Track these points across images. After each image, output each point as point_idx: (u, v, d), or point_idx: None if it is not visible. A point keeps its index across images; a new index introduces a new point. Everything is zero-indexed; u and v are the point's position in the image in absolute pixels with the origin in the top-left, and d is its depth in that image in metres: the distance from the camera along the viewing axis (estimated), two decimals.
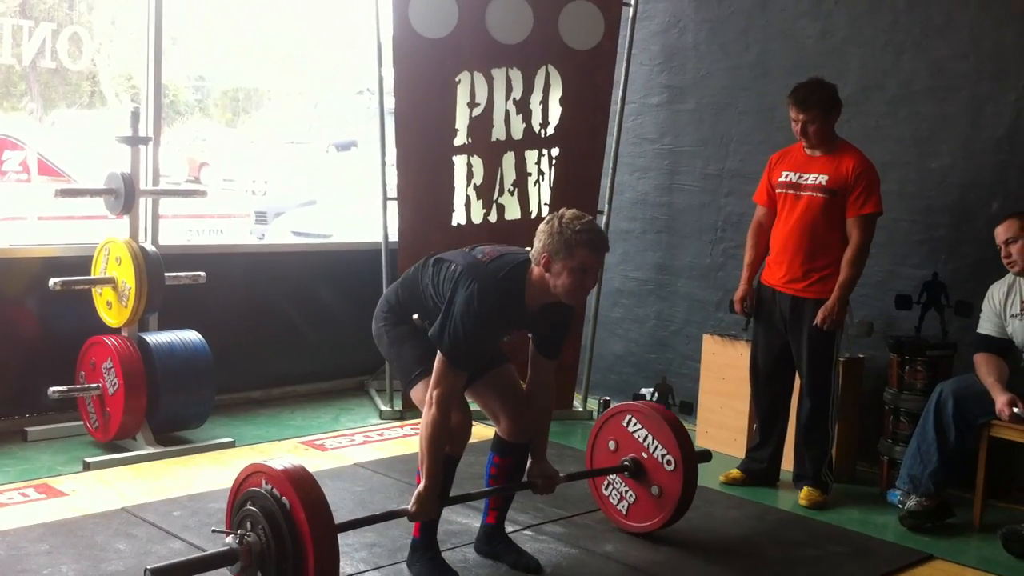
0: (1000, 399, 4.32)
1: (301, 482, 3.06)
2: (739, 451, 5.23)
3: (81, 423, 5.11)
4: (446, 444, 3.42)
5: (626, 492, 4.19)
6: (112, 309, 4.98)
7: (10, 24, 6.09)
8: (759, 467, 4.99)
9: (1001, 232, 4.47)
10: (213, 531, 3.20)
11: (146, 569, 2.89)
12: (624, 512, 4.21)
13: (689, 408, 5.87)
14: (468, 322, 3.31)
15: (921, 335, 4.95)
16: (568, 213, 3.39)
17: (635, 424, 4.16)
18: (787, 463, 4.98)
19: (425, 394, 3.43)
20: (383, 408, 5.92)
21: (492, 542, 3.84)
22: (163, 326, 5.36)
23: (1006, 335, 4.52)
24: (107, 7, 8.88)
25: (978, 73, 5.00)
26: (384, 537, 3.99)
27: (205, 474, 4.64)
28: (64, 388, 4.90)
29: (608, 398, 6.12)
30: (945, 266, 5.04)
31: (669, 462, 4.05)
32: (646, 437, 4.12)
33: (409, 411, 5.82)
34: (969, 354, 4.60)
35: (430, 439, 3.36)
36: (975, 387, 4.43)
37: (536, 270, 3.40)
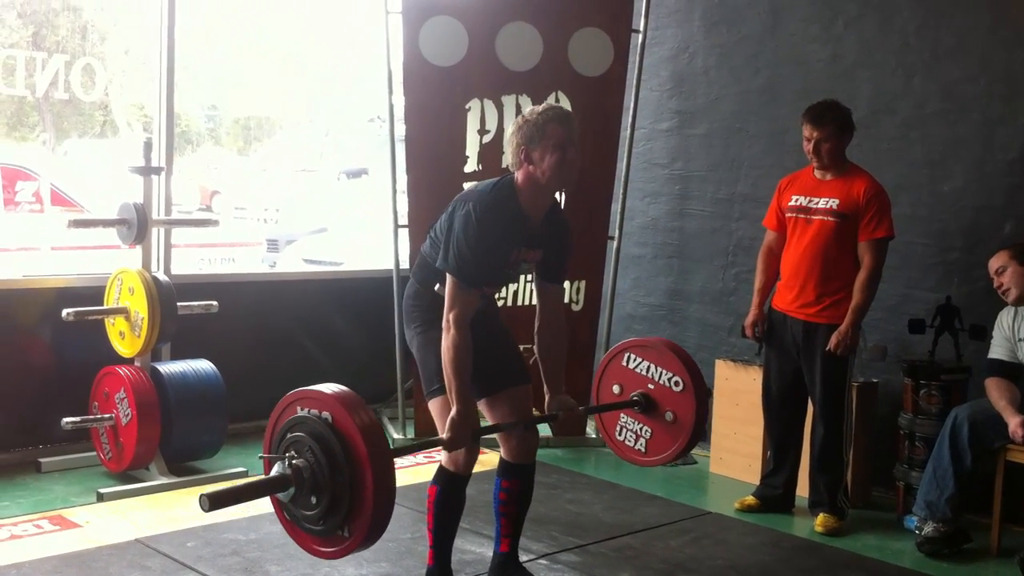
0: (1013, 421, 4.30)
1: (350, 402, 3.03)
2: (754, 477, 5.20)
3: (94, 454, 5.11)
4: (470, 365, 3.36)
5: (641, 429, 4.09)
6: (125, 339, 4.99)
7: (23, 56, 6.14)
8: (774, 493, 4.96)
9: (992, 263, 4.54)
10: (260, 457, 3.14)
11: (201, 496, 2.90)
12: (644, 450, 4.09)
13: (703, 434, 5.84)
14: (471, 236, 3.34)
15: (935, 359, 4.92)
16: (525, 110, 3.51)
17: (635, 360, 4.10)
18: (802, 489, 4.95)
19: (440, 413, 3.44)
20: (396, 436, 5.90)
21: (506, 571, 3.81)
22: (176, 355, 5.36)
23: (1017, 359, 4.50)
24: (120, 38, 8.95)
25: (989, 95, 5.00)
26: (399, 567, 3.98)
27: None
28: (77, 419, 4.91)
29: None
30: (959, 289, 5.02)
31: (677, 383, 3.98)
32: (648, 368, 4.06)
33: (423, 439, 5.80)
34: (983, 378, 4.58)
35: (454, 361, 3.33)
36: (990, 411, 4.41)
37: (520, 173, 3.45)
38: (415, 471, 5.30)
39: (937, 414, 4.75)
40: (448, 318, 3.36)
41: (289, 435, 3.07)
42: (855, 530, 4.74)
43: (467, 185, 5.74)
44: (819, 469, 4.79)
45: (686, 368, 3.98)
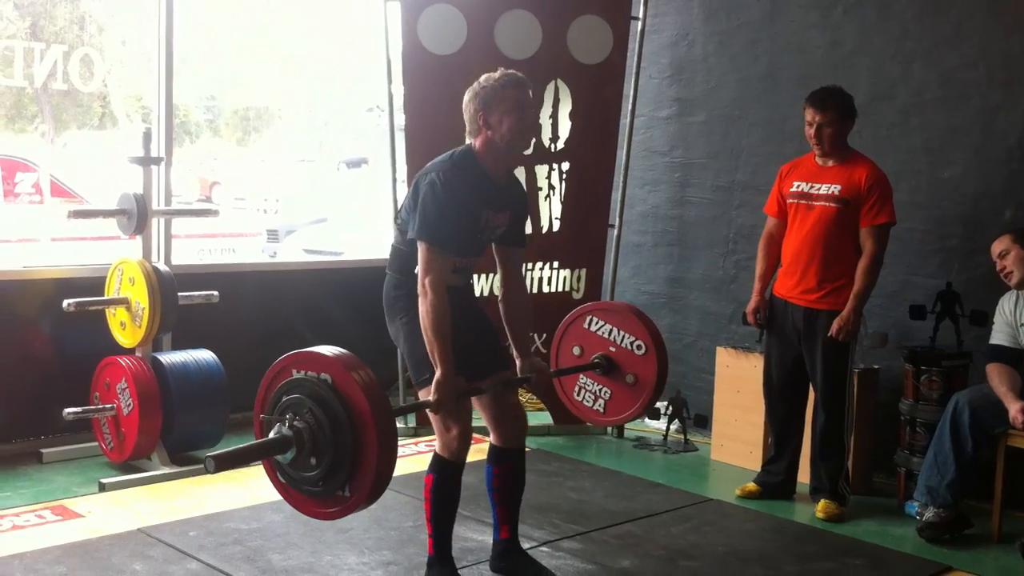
0: (1014, 407, 4.31)
1: (350, 362, 3.03)
2: (755, 464, 5.21)
3: (96, 444, 5.11)
4: (449, 327, 3.37)
5: (600, 391, 4.15)
6: (126, 329, 4.99)
7: (21, 47, 6.13)
8: (775, 480, 4.96)
9: (995, 247, 4.55)
10: (262, 416, 3.13)
11: (207, 457, 2.92)
12: (603, 410, 4.16)
13: (704, 421, 5.85)
14: (440, 199, 3.38)
15: (936, 345, 4.93)
16: (481, 77, 3.52)
17: (597, 323, 4.14)
18: (804, 476, 4.96)
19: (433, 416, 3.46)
20: (397, 425, 5.90)
21: (510, 557, 3.82)
22: (177, 346, 5.36)
23: (1019, 345, 4.51)
24: (117, 28, 8.94)
25: (988, 82, 4.99)
26: (400, 555, 3.99)
27: (220, 494, 4.64)
28: (79, 409, 4.91)
29: None
30: (959, 275, 5.02)
31: (639, 347, 4.05)
32: (611, 331, 4.11)
33: (423, 427, 5.82)
34: (984, 364, 4.58)
35: (433, 323, 3.34)
36: (991, 397, 4.42)
37: (479, 140, 3.51)
38: (418, 459, 5.31)
39: (938, 400, 4.76)
40: (424, 283, 3.37)
41: (285, 398, 3.06)
42: (856, 516, 4.74)
43: None
44: (820, 455, 4.80)
45: (648, 332, 4.05)
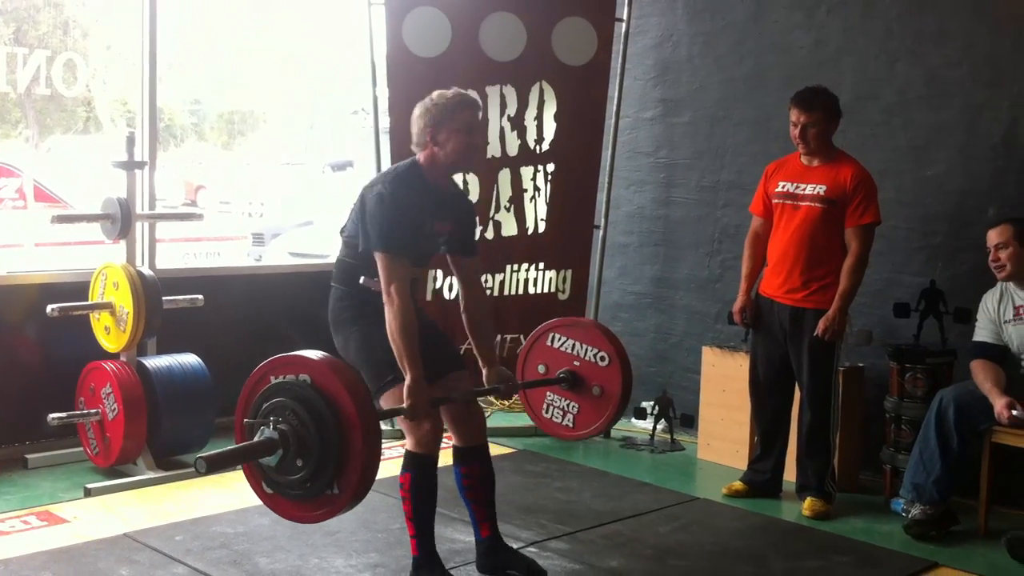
0: (999, 402, 4.32)
1: (324, 359, 3.10)
2: (741, 463, 5.22)
3: (81, 449, 5.09)
4: (416, 330, 3.43)
5: (568, 405, 4.22)
6: (110, 334, 4.97)
7: (4, 52, 6.10)
8: (762, 478, 4.97)
9: (993, 236, 4.51)
10: (246, 421, 3.18)
11: (197, 459, 2.97)
12: (572, 424, 4.23)
13: (690, 421, 5.86)
14: (388, 208, 3.45)
15: (920, 343, 4.94)
16: (434, 93, 3.60)
17: (560, 339, 4.22)
18: (790, 474, 4.96)
19: (395, 401, 3.47)
20: (384, 427, 5.89)
21: (496, 554, 3.81)
22: (162, 350, 5.34)
23: (1002, 341, 4.52)
24: (102, 33, 8.90)
25: (972, 80, 5.01)
26: (388, 557, 3.99)
27: (207, 498, 4.62)
28: (64, 414, 4.89)
29: None
30: (943, 273, 5.04)
31: (603, 358, 4.12)
32: (574, 346, 4.18)
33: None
34: (968, 360, 4.60)
35: (401, 328, 3.38)
36: (976, 393, 4.43)
37: (424, 154, 3.61)
38: (400, 462, 5.30)
39: (923, 397, 4.78)
40: (388, 292, 3.42)
41: (267, 403, 3.10)
42: (842, 513, 4.76)
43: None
44: (807, 454, 4.81)
45: (611, 343, 4.12)
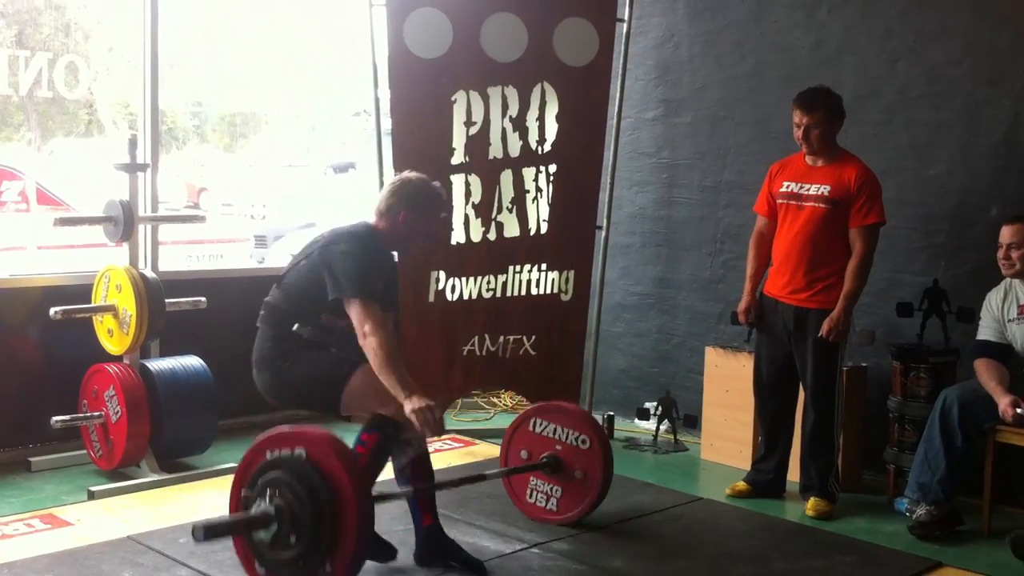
0: (1003, 401, 4.32)
1: (335, 443, 3.15)
2: (744, 463, 5.22)
3: (85, 452, 5.09)
4: (400, 357, 3.63)
5: (551, 490, 4.34)
6: (113, 336, 4.97)
7: (6, 54, 6.11)
8: (765, 478, 4.97)
9: (1007, 234, 4.49)
10: (243, 493, 3.23)
11: (195, 525, 2.99)
12: (555, 508, 4.34)
13: (693, 421, 5.86)
14: (364, 261, 3.71)
15: (923, 342, 4.94)
16: (415, 178, 3.94)
17: (540, 424, 4.33)
18: (793, 474, 4.96)
19: (365, 383, 3.65)
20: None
21: (438, 542, 3.86)
22: (165, 352, 5.35)
23: (1006, 340, 4.52)
24: (103, 35, 8.91)
25: (974, 78, 5.01)
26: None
27: (210, 500, 4.62)
28: (67, 417, 4.89)
29: (612, 413, 6.11)
30: (946, 272, 5.04)
31: (584, 441, 4.23)
32: (555, 430, 4.30)
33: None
34: (972, 360, 4.59)
35: (388, 356, 3.55)
36: (980, 392, 4.43)
37: (385, 223, 3.90)
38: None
39: (926, 397, 4.77)
40: (367, 328, 3.59)
41: (263, 478, 3.16)
42: (846, 513, 4.75)
43: (454, 178, 5.76)
44: (810, 454, 4.81)
45: (591, 426, 4.29)
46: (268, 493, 3.12)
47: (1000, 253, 4.51)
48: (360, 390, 3.70)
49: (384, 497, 3.58)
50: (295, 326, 3.79)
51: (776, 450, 4.96)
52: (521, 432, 4.39)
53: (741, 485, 4.99)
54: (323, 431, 3.20)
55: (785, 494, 4.96)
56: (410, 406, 3.47)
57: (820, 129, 4.66)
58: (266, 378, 3.84)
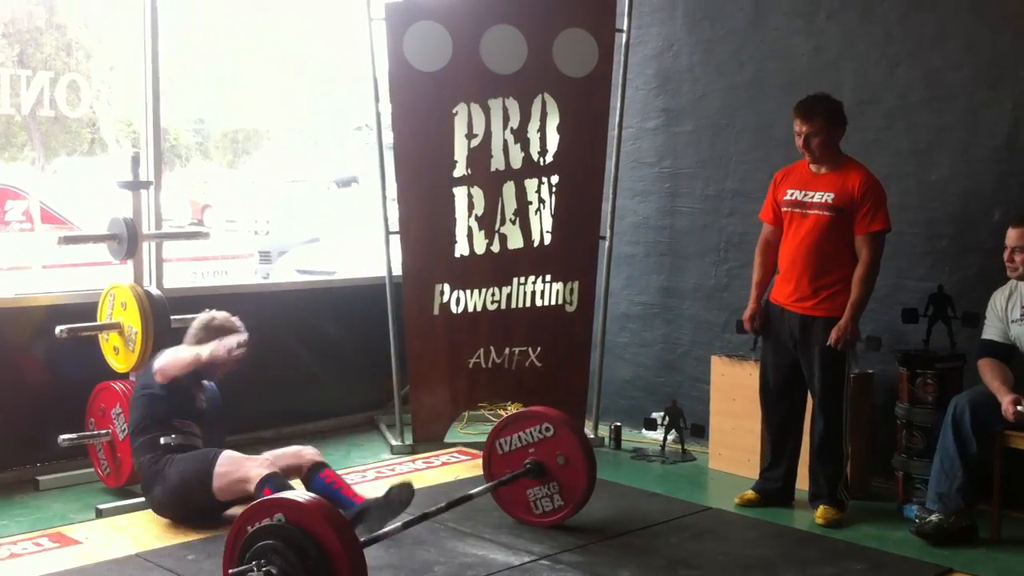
0: (1005, 399, 4.31)
1: (324, 509, 3.21)
2: (752, 472, 5.20)
3: (92, 470, 5.10)
4: None
5: (550, 488, 4.40)
6: (119, 354, 4.98)
7: (8, 74, 6.13)
8: (773, 487, 4.96)
9: (1012, 237, 4.47)
10: (231, 573, 3.22)
11: None
12: (563, 501, 4.39)
13: (701, 431, 5.84)
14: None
15: (930, 348, 4.93)
16: (220, 316, 4.59)
17: (505, 442, 4.42)
18: (802, 482, 4.95)
19: (233, 468, 4.23)
20: (394, 443, 5.90)
21: (375, 507, 4.10)
22: None
23: (1010, 340, 4.51)
24: (105, 54, 8.94)
25: (974, 82, 5.01)
26: (395, 558, 3.97)
27: (218, 516, 4.61)
28: (74, 435, 4.90)
29: (619, 424, 6.10)
30: (950, 277, 5.04)
31: (548, 429, 4.34)
32: (519, 438, 4.39)
33: (421, 445, 5.81)
34: (977, 359, 4.59)
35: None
36: (989, 395, 4.42)
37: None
38: (416, 476, 5.29)
39: (933, 403, 4.76)
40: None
41: (249, 552, 3.19)
42: (855, 521, 4.74)
43: (456, 191, 5.77)
44: (819, 461, 4.79)
45: (544, 413, 4.40)
46: (256, 564, 3.15)
47: (1005, 255, 4.50)
48: (225, 467, 4.23)
49: (373, 540, 3.62)
50: (162, 440, 4.35)
51: (783, 458, 4.95)
52: (495, 460, 4.47)
53: (749, 494, 4.98)
54: (294, 494, 3.38)
55: (794, 502, 4.95)
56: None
57: (821, 137, 4.66)
58: (156, 493, 4.34)
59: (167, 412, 4.44)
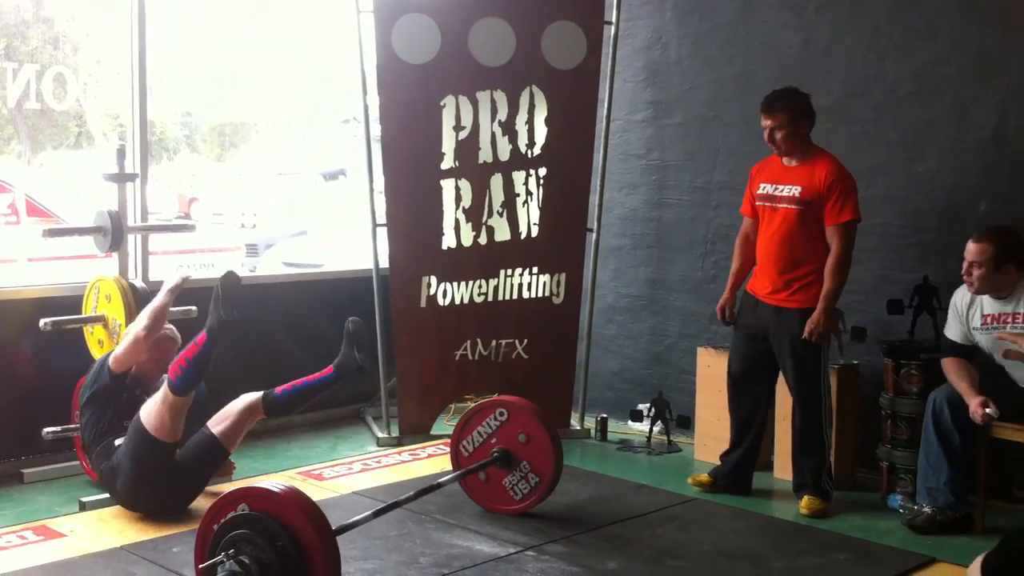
0: (972, 402, 4.31)
1: (286, 491, 3.26)
2: None
3: (77, 463, 5.08)
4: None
5: (523, 469, 4.46)
6: (104, 347, 4.96)
7: None
8: (722, 470, 5.01)
9: (971, 251, 4.40)
10: (201, 567, 3.25)
11: None
12: (539, 479, 4.45)
13: (687, 422, 5.85)
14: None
15: (915, 339, 4.95)
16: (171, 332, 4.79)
17: (467, 442, 4.53)
18: (787, 473, 4.97)
19: (151, 402, 4.39)
20: (380, 435, 5.90)
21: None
22: None
23: (970, 341, 4.52)
24: (92, 47, 8.90)
25: (961, 76, 5.02)
26: (386, 563, 3.97)
27: (202, 510, 4.59)
28: (58, 428, 4.88)
29: (605, 415, 6.10)
30: (936, 269, 5.04)
31: (502, 414, 4.46)
32: (479, 433, 4.49)
33: (407, 437, 5.81)
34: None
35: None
36: None
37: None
38: (402, 468, 5.31)
39: (918, 394, 4.78)
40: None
41: (229, 535, 3.20)
42: (840, 511, 4.75)
43: (444, 183, 5.76)
44: (801, 452, 4.81)
45: (495, 400, 4.53)
46: (227, 554, 3.17)
47: (963, 268, 4.46)
48: (146, 408, 4.38)
49: (345, 528, 3.61)
50: (116, 441, 4.44)
51: (741, 444, 4.98)
52: (463, 461, 4.53)
53: (702, 476, 5.04)
54: (253, 484, 3.39)
55: (752, 491, 4.97)
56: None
57: (785, 131, 4.67)
58: (119, 485, 4.41)
59: (115, 414, 4.53)
